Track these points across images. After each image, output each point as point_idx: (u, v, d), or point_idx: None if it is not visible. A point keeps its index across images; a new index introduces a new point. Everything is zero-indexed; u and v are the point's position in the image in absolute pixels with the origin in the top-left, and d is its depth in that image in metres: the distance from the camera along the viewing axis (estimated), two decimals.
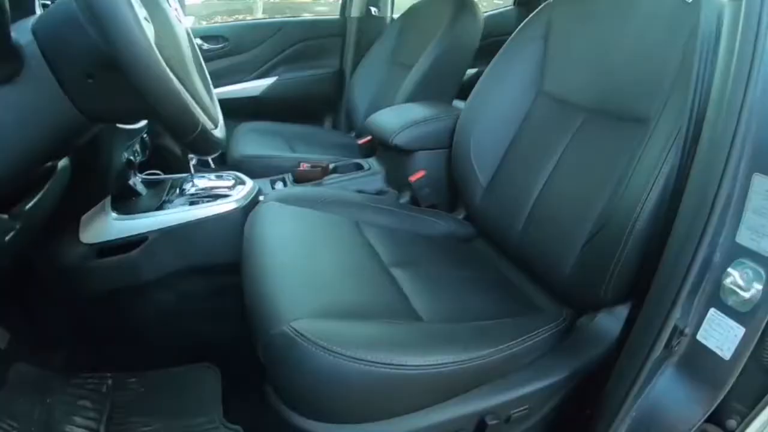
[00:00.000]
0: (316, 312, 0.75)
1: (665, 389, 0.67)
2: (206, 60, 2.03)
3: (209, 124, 0.72)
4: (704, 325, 0.62)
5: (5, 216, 0.76)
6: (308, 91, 2.03)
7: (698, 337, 0.63)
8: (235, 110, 1.92)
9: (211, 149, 0.74)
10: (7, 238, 0.77)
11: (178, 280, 1.21)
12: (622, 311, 0.85)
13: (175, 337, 1.22)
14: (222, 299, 1.20)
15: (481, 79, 1.22)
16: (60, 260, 1.15)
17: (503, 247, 1.15)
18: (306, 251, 0.97)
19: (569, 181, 0.99)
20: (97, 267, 1.17)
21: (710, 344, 0.62)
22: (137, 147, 1.36)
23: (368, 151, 1.57)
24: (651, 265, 0.69)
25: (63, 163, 0.96)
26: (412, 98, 1.61)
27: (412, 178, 1.28)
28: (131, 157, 1.25)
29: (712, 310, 0.62)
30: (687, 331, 0.63)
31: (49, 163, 0.86)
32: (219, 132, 0.77)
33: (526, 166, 1.09)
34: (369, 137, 1.57)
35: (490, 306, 0.93)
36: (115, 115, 0.83)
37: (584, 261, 0.88)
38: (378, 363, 0.67)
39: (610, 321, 0.85)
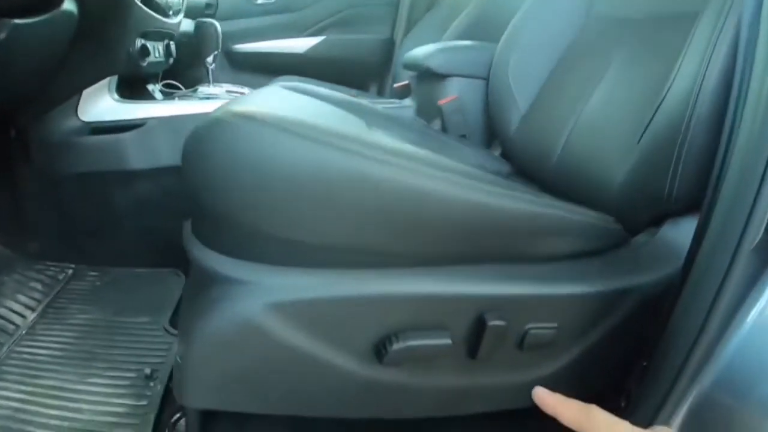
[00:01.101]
0: None
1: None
2: (257, 15, 2.06)
3: None
4: None
5: None
6: (355, 55, 1.95)
7: None
8: (278, 65, 1.87)
9: None
10: None
11: (168, 176, 1.10)
12: (688, 225, 0.63)
13: (151, 235, 1.10)
14: None
15: (525, 5, 1.09)
16: (54, 132, 1.10)
17: (540, 178, 0.97)
18: None
19: (615, 94, 0.84)
20: (88, 144, 1.10)
21: None
22: (160, 48, 1.30)
23: (403, 94, 1.44)
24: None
25: (68, 5, 0.91)
26: None
27: (442, 101, 1.13)
28: (146, 44, 1.18)
29: None
30: None
31: None
32: None
33: (569, 87, 0.95)
34: (405, 82, 1.45)
35: None
36: None
37: (638, 166, 0.68)
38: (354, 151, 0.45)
39: (676, 234, 0.63)
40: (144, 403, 0.72)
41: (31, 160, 1.11)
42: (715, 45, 0.58)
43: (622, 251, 0.62)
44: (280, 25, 1.92)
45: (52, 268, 1.08)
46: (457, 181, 0.46)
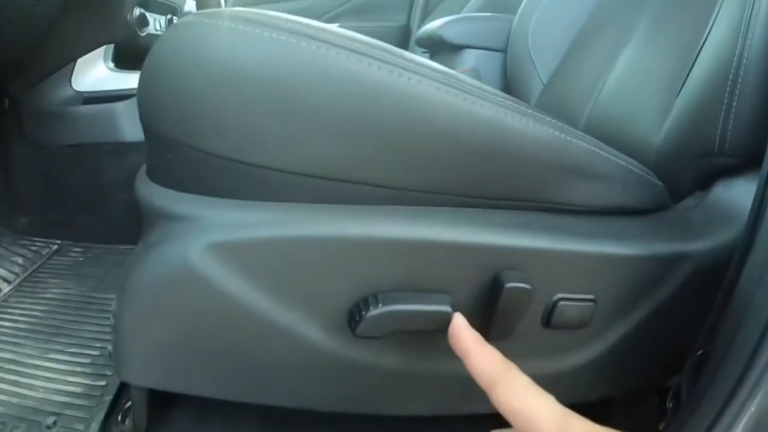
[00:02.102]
0: None
1: None
2: (270, 2, 2.01)
3: None
4: None
5: None
6: None
7: None
8: None
9: None
10: None
11: None
12: (744, 184, 0.51)
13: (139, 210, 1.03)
14: None
15: None
16: (47, 102, 1.05)
17: None
18: None
19: (646, 50, 0.75)
20: (81, 114, 1.05)
21: None
22: (161, 21, 1.25)
23: None
24: None
25: None
26: None
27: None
28: (146, 14, 1.13)
29: None
30: None
31: None
32: None
33: (594, 53, 0.88)
34: None
35: None
36: None
37: (679, 120, 0.57)
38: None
39: (731, 195, 0.51)
40: (102, 383, 0.64)
41: (23, 131, 1.06)
42: None
43: (668, 214, 0.51)
44: (293, 13, 1.83)
45: (37, 243, 1.02)
46: (466, 92, 0.36)
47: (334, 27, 0.37)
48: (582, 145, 0.41)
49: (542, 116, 0.39)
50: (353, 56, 0.34)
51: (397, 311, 0.36)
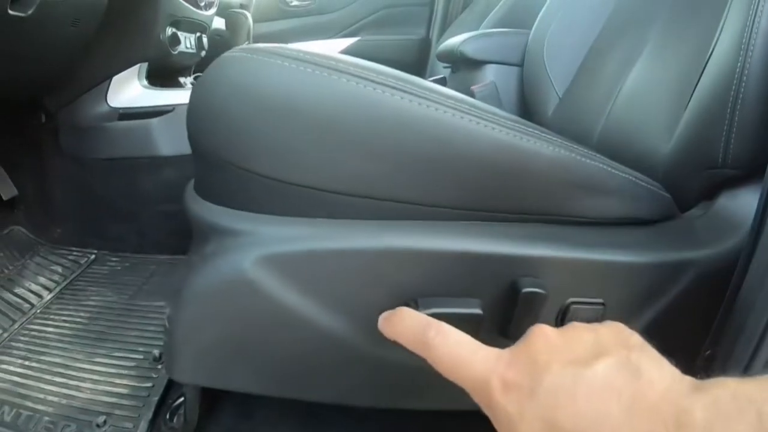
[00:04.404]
0: None
1: None
2: (293, 16, 2.07)
3: None
4: None
5: None
6: (390, 55, 1.92)
7: None
8: None
9: None
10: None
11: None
12: (747, 195, 0.54)
13: (175, 221, 1.08)
14: None
15: None
16: (83, 117, 1.11)
17: None
18: None
19: (656, 63, 0.77)
20: (116, 130, 1.10)
21: None
22: (192, 39, 1.31)
23: None
24: None
25: None
26: None
27: (475, 87, 1.07)
28: (177, 33, 1.19)
29: None
30: None
31: None
32: None
33: (608, 65, 0.89)
34: (441, 75, 1.40)
35: None
36: None
37: (686, 132, 0.60)
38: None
39: (735, 205, 0.53)
40: (148, 385, 0.68)
41: (59, 145, 1.12)
42: None
43: (675, 223, 0.54)
44: (314, 27, 1.92)
45: (74, 253, 1.08)
46: (485, 119, 0.40)
47: (362, 61, 0.42)
48: (592, 163, 0.44)
49: (555, 138, 0.43)
50: (386, 90, 0.38)
51: (436, 314, 0.40)
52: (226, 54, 0.43)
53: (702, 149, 0.55)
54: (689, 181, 0.58)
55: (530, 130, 0.42)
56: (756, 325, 0.39)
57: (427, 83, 0.42)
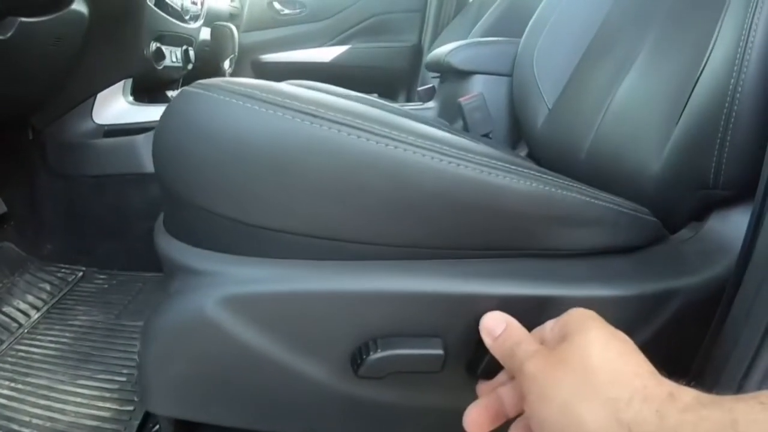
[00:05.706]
0: None
1: None
2: (283, 25, 2.07)
3: None
4: None
5: None
6: (382, 62, 1.92)
7: None
8: (304, 74, 1.86)
9: None
10: None
11: None
12: (738, 216, 0.52)
13: None
14: None
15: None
16: (69, 134, 1.12)
17: (568, 175, 0.89)
18: None
19: (647, 76, 0.75)
20: (102, 146, 1.11)
21: None
22: (177, 53, 1.31)
23: (428, 97, 1.39)
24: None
25: (78, 5, 0.92)
26: None
27: (462, 100, 1.06)
28: (162, 47, 1.19)
29: None
30: None
31: None
32: None
33: (598, 77, 0.87)
34: (430, 85, 1.40)
35: None
36: None
37: (676, 149, 0.58)
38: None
39: (725, 227, 0.53)
40: (130, 408, 0.68)
41: (47, 162, 1.12)
42: (756, 4, 0.50)
43: (661, 248, 0.53)
44: (306, 35, 1.92)
45: (63, 270, 1.08)
46: (450, 155, 0.39)
47: (328, 97, 0.41)
48: (569, 195, 0.43)
49: (528, 171, 0.42)
50: (344, 129, 0.37)
51: (394, 355, 0.40)
52: (186, 88, 0.43)
53: (693, 169, 0.54)
54: (680, 201, 0.57)
55: (500, 164, 0.41)
56: (744, 354, 0.38)
57: (389, 119, 0.42)
